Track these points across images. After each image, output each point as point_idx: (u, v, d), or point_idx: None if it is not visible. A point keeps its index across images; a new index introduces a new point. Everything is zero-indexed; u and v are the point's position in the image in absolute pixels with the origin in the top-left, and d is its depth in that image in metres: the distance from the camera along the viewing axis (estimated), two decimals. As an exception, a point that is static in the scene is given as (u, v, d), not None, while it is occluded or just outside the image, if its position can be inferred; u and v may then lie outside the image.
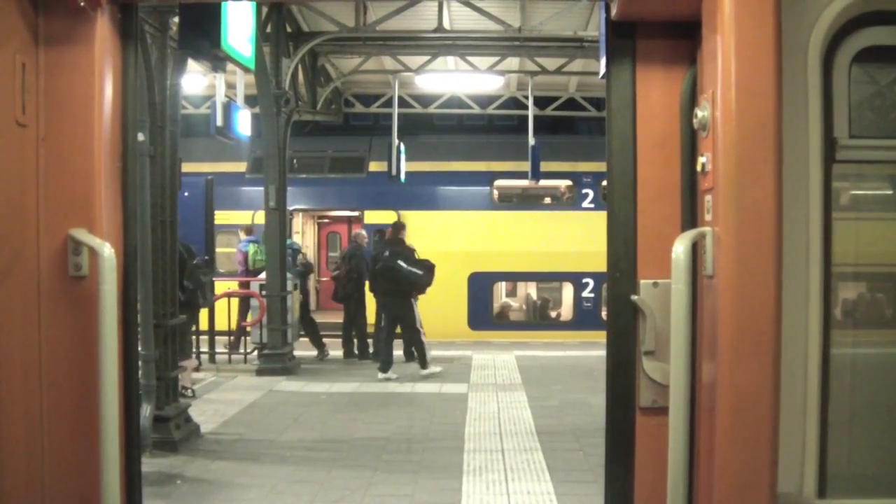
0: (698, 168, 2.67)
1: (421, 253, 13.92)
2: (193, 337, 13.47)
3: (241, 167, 20.84)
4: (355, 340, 15.10)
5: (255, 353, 14.21)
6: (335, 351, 15.16)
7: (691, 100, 2.85)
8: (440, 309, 16.99)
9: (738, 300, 2.45)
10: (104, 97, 2.75)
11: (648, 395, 2.88)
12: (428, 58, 16.69)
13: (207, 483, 7.44)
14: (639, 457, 2.91)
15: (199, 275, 11.06)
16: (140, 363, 7.46)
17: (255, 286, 14.73)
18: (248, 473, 7.77)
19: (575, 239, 19.83)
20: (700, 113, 2.60)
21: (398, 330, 13.45)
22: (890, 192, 3.04)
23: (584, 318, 20.40)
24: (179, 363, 9.36)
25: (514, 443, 8.79)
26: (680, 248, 2.52)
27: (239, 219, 18.30)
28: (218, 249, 18.00)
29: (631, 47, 2.91)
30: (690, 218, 2.87)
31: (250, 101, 13.17)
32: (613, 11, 2.77)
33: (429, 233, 19.30)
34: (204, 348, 14.34)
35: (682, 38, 2.87)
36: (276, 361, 13.42)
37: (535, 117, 18.15)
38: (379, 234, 17.43)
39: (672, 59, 2.88)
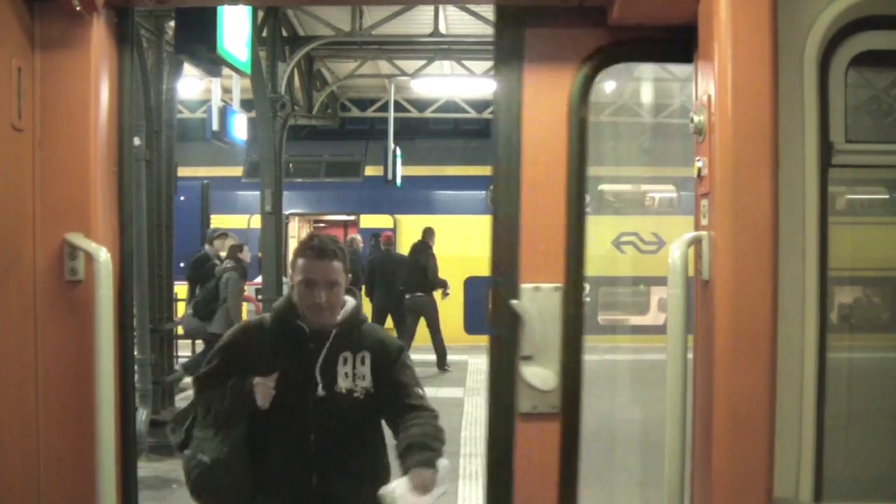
0: (694, 172, 2.66)
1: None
2: (190, 341, 13.47)
3: (237, 171, 20.82)
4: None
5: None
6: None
7: (581, 100, 2.83)
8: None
9: (734, 304, 2.45)
10: (100, 101, 2.74)
11: (528, 402, 2.83)
12: (424, 62, 16.71)
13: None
14: (518, 463, 2.86)
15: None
16: (136, 367, 7.45)
17: (251, 290, 14.71)
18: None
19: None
20: (696, 117, 2.60)
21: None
22: (886, 196, 3.05)
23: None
24: None
25: (510, 447, 8.77)
26: (676, 253, 2.52)
27: (235, 223, 18.28)
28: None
29: (519, 46, 2.86)
30: (576, 222, 2.84)
31: (246, 105, 13.18)
32: (612, 15, 2.77)
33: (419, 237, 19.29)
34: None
35: (573, 34, 2.83)
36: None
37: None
38: (374, 239, 17.46)
39: (562, 58, 2.83)
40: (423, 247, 15.36)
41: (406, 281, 14.98)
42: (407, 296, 14.93)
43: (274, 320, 3.71)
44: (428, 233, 15.70)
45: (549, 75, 2.85)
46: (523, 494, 2.86)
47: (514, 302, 2.82)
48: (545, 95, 2.84)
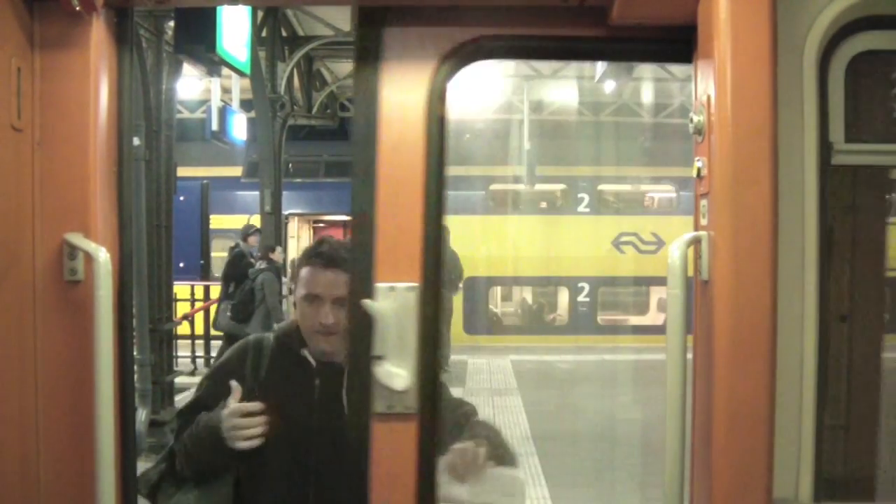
0: (694, 172, 2.67)
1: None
2: (189, 341, 13.47)
3: (236, 172, 20.85)
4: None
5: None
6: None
7: (440, 99, 2.81)
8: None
9: (734, 304, 2.45)
10: (100, 101, 2.74)
11: (383, 401, 2.81)
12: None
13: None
14: (375, 462, 2.85)
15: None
16: (136, 367, 7.45)
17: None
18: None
19: (571, 243, 19.86)
20: (695, 117, 2.60)
21: None
22: (886, 196, 3.05)
23: (579, 322, 20.44)
24: None
25: (509, 447, 8.78)
26: (676, 254, 2.52)
27: (234, 223, 18.30)
28: (213, 254, 18.00)
29: (378, 45, 2.84)
30: (434, 221, 2.82)
31: (246, 105, 13.18)
32: (612, 14, 2.77)
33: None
34: (199, 352, 14.32)
35: (431, 33, 2.80)
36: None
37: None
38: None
39: (421, 57, 2.82)
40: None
41: None
42: None
43: (276, 344, 3.14)
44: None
45: (407, 74, 2.84)
46: (379, 495, 2.84)
47: (365, 301, 2.79)
48: (403, 94, 2.83)
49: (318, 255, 3.07)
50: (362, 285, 2.84)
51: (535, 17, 2.89)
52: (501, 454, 2.98)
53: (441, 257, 2.89)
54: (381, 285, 2.82)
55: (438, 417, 2.89)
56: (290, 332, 3.13)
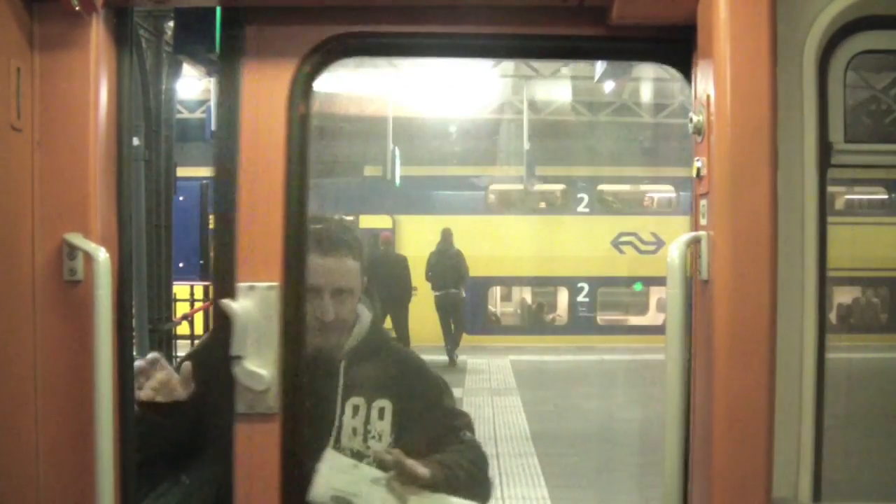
0: (693, 173, 2.67)
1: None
2: (189, 341, 13.45)
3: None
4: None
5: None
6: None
7: (302, 98, 2.79)
8: (434, 313, 16.99)
9: (733, 304, 2.44)
10: (99, 101, 2.74)
11: (244, 402, 2.78)
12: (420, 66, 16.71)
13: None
14: (239, 463, 2.81)
15: None
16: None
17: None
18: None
19: (570, 243, 19.85)
20: (695, 117, 2.60)
21: None
22: (885, 196, 3.05)
23: (579, 323, 20.43)
24: None
25: (508, 447, 8.79)
26: (675, 254, 2.52)
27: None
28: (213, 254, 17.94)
29: (240, 43, 2.83)
30: (296, 221, 2.81)
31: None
32: (612, 14, 2.77)
33: (424, 237, 19.29)
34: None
35: (294, 32, 2.80)
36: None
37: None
38: (373, 239, 17.50)
39: (282, 57, 2.81)
40: (451, 246, 17.10)
41: (441, 279, 16.60)
42: (440, 292, 16.58)
43: None
44: (449, 234, 17.17)
45: (268, 73, 2.83)
46: (243, 495, 2.82)
47: (224, 301, 2.76)
48: (264, 94, 2.81)
49: (314, 241, 2.86)
50: (224, 285, 2.81)
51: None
52: (463, 486, 2.70)
53: (304, 257, 2.87)
54: (241, 285, 2.80)
55: (304, 418, 2.85)
56: None
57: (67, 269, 2.69)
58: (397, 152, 18.08)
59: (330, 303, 2.85)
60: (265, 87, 2.83)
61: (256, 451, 2.79)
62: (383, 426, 2.81)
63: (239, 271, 2.81)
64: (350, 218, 22.15)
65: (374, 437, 2.80)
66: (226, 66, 2.88)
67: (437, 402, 2.89)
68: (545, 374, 13.82)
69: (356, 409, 2.83)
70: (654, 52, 2.94)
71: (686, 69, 2.80)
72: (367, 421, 2.81)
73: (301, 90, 2.82)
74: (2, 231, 2.57)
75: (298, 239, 2.84)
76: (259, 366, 2.74)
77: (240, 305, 2.76)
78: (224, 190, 2.85)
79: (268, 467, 2.78)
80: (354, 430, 2.81)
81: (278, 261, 2.80)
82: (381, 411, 2.83)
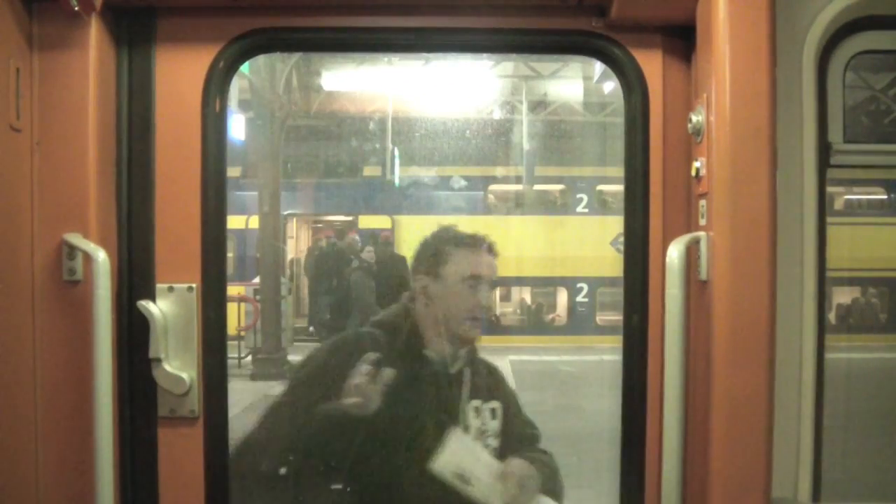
0: (692, 173, 2.66)
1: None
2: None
3: (235, 172, 20.82)
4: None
5: (250, 357, 14.19)
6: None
7: (218, 93, 2.78)
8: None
9: (732, 304, 2.44)
10: (98, 102, 2.74)
11: (165, 405, 2.78)
12: (421, 62, 16.70)
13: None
14: (162, 467, 2.81)
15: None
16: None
17: (249, 291, 14.72)
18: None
19: (569, 243, 19.84)
20: (694, 118, 2.60)
21: None
22: (884, 196, 3.05)
23: (578, 323, 20.42)
24: None
25: (508, 447, 8.77)
26: (674, 254, 2.52)
27: (233, 224, 18.25)
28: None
29: (151, 36, 2.81)
30: (214, 219, 2.79)
31: (244, 105, 13.16)
32: (611, 14, 2.76)
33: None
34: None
35: (208, 24, 2.76)
36: (271, 366, 13.40)
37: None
38: (372, 239, 17.50)
39: (196, 50, 2.79)
40: None
41: None
42: None
43: (384, 340, 2.88)
44: None
45: (182, 68, 2.80)
46: (168, 500, 2.81)
47: (140, 303, 2.75)
48: (178, 89, 2.79)
49: (470, 237, 2.97)
50: (142, 286, 2.80)
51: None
52: (551, 490, 2.93)
53: (224, 257, 2.86)
54: (160, 286, 2.79)
55: (226, 421, 2.84)
56: (399, 325, 2.92)
57: (67, 269, 2.69)
58: (396, 152, 18.07)
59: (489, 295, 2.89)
60: (179, 81, 2.80)
61: (179, 455, 2.78)
62: (495, 425, 2.94)
63: (157, 272, 2.79)
64: (349, 218, 22.18)
65: (490, 435, 2.93)
66: (137, 60, 2.82)
67: (518, 405, 3.04)
68: (545, 374, 13.81)
69: (476, 410, 2.93)
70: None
71: (685, 69, 2.80)
72: (483, 421, 2.93)
73: (216, 85, 2.78)
74: (2, 231, 2.57)
75: (217, 239, 2.81)
76: (178, 368, 2.74)
77: (156, 307, 2.75)
78: (140, 189, 2.82)
79: (192, 472, 2.77)
80: (478, 431, 2.89)
81: (197, 261, 2.79)
82: (493, 411, 2.95)
